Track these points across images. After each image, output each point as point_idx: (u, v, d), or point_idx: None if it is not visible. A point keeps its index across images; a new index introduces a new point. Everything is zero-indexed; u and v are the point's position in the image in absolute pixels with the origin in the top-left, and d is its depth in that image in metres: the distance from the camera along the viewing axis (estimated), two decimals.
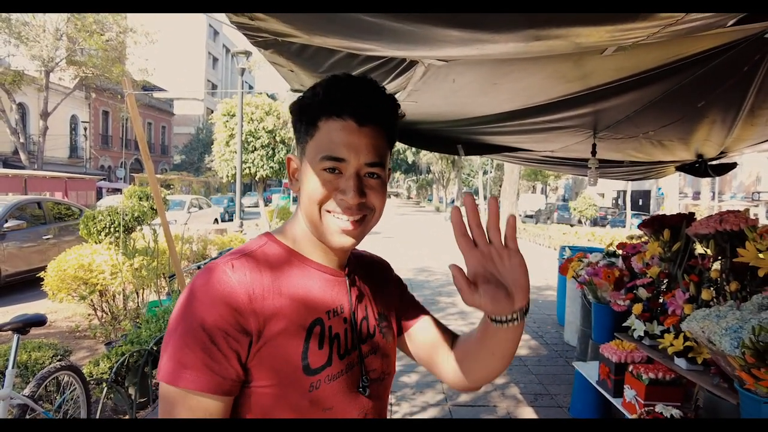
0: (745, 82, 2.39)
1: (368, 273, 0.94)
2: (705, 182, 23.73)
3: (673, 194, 16.35)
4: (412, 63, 1.85)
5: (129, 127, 30.27)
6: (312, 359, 0.75)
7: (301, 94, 0.82)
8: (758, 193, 26.39)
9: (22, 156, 20.50)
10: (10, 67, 20.69)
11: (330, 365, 0.77)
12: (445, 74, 2.07)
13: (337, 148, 0.75)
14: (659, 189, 27.35)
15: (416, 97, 2.57)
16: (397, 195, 71.98)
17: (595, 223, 25.36)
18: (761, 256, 2.09)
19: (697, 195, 27.77)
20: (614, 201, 36.91)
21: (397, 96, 2.55)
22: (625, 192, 26.72)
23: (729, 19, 1.76)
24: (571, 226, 20.13)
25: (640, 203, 31.92)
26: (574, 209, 21.98)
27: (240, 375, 0.72)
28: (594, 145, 3.42)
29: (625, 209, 24.27)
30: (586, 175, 3.86)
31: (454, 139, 3.94)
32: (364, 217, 0.80)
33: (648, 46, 1.88)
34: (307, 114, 0.79)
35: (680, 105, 2.67)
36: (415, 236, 17.58)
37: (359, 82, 0.79)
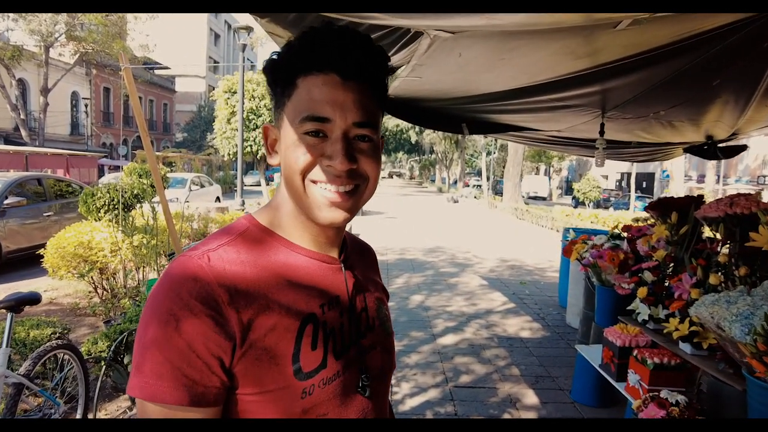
0: (763, 59, 2.30)
1: (362, 259, 0.87)
2: (710, 165, 23.49)
3: (678, 177, 16.15)
4: (417, 34, 1.77)
5: (131, 104, 30.04)
6: (304, 362, 0.66)
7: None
8: (764, 176, 26.17)
9: (23, 132, 20.40)
10: (9, 42, 20.43)
11: (325, 367, 0.68)
12: (450, 48, 1.98)
13: (319, 106, 0.65)
14: (664, 171, 27.15)
15: (420, 72, 2.49)
16: (399, 175, 71.68)
17: (598, 205, 25.22)
18: None
19: (702, 178, 27.54)
20: (618, 183, 36.68)
21: (400, 71, 2.47)
22: (629, 174, 26.51)
23: None
24: (578, 206, 20.04)
25: (644, 185, 31.72)
26: (578, 191, 21.85)
27: (225, 382, 0.63)
28: (602, 125, 3.33)
29: (629, 191, 24.13)
30: (593, 156, 3.78)
31: (458, 117, 3.85)
32: (357, 188, 0.69)
33: (663, 21, 1.79)
34: (282, 71, 0.68)
35: (693, 84, 2.58)
36: (418, 217, 17.51)
37: (340, 31, 0.68)
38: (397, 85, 2.92)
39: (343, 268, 0.77)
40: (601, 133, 3.35)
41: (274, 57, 0.69)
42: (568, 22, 1.65)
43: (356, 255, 0.85)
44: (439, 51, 2.02)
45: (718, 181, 25.81)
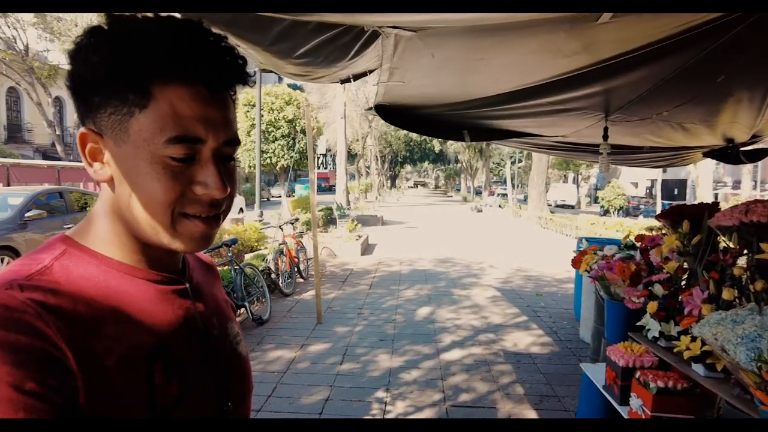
0: None
1: (206, 275, 0.76)
2: (746, 170, 22.50)
3: (706, 183, 15.34)
4: (375, 34, 1.65)
5: None
6: (159, 398, 0.57)
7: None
8: None
9: (59, 148, 21.21)
10: (47, 62, 21.31)
11: (182, 401, 0.59)
12: (420, 48, 1.86)
13: (190, 124, 0.55)
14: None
15: (401, 76, 2.38)
16: (424, 185, 71.35)
17: (627, 213, 24.45)
18: None
19: (737, 183, 26.43)
20: (648, 190, 35.56)
21: (378, 76, 2.35)
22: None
23: None
24: (605, 214, 19.43)
25: (676, 192, 30.60)
26: (602, 199, 21.21)
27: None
28: (606, 129, 3.14)
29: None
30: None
31: (458, 124, 3.73)
32: (224, 211, 0.62)
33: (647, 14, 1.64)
34: (129, 71, 0.53)
35: (697, 81, 2.38)
36: (439, 226, 17.29)
37: (204, 30, 0.56)
38: (383, 92, 2.81)
39: (189, 290, 0.66)
40: (605, 137, 3.16)
41: (114, 46, 0.53)
42: (523, 18, 1.51)
43: (198, 271, 0.74)
44: (408, 52, 1.90)
45: (755, 187, 24.70)
